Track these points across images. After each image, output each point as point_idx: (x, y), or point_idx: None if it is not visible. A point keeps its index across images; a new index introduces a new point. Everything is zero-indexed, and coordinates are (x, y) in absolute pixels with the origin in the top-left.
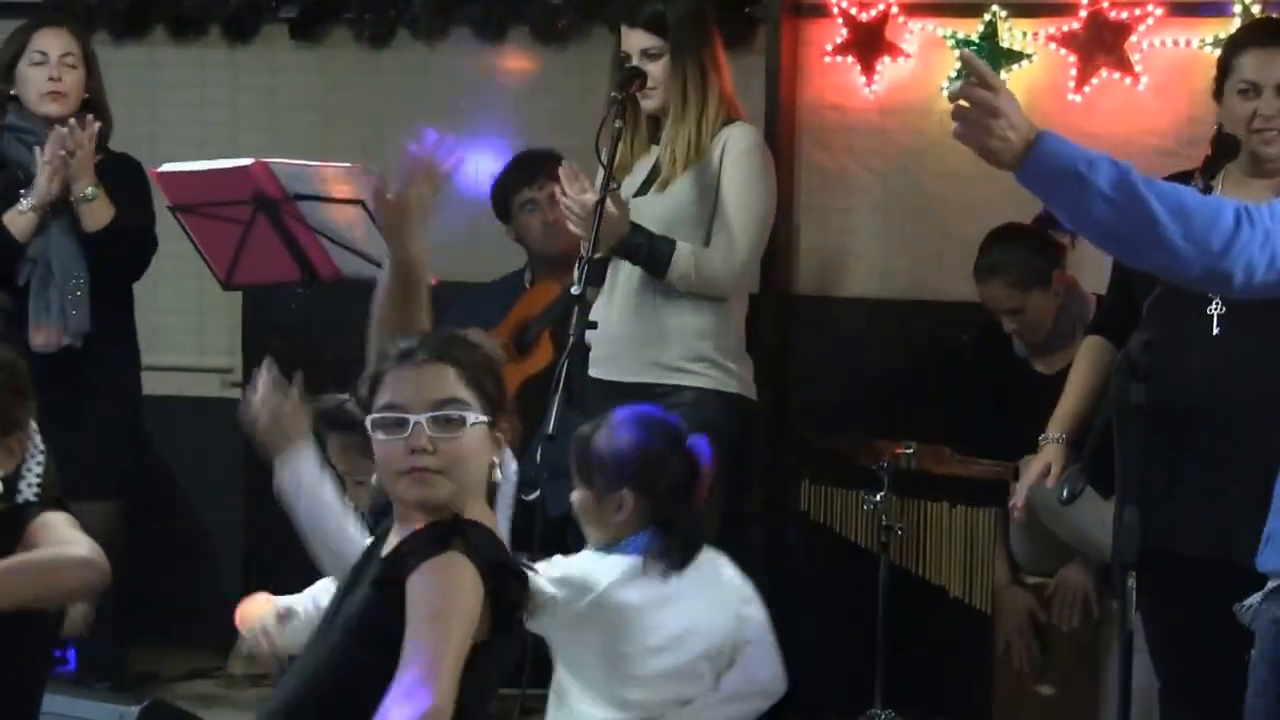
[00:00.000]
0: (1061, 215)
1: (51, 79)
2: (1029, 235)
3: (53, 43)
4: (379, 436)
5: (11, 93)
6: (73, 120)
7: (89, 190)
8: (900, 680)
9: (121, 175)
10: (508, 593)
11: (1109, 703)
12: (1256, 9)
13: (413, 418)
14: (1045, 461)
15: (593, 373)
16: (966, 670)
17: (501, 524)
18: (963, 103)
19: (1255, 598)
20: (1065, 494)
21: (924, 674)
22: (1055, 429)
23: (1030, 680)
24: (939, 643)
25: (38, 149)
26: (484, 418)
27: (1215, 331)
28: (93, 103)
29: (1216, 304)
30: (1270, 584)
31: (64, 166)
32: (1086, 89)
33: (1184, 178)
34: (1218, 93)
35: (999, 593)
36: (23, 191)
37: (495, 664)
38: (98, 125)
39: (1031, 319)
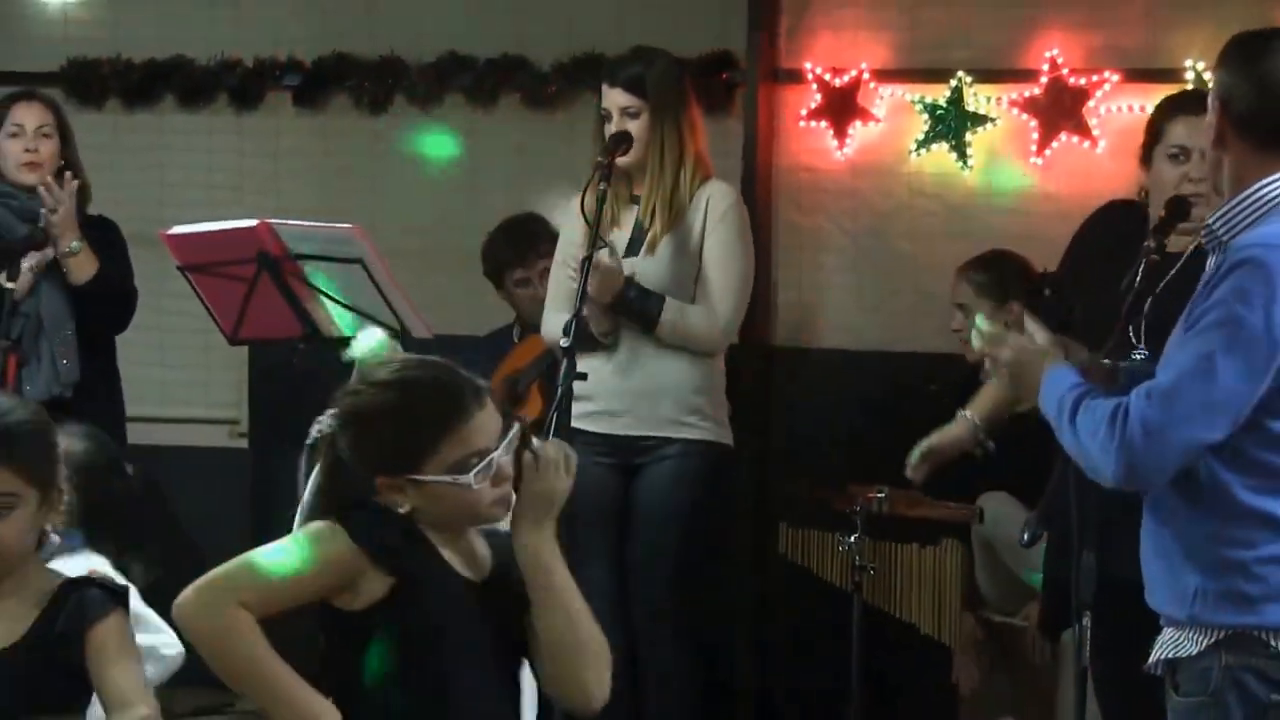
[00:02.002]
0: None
1: (27, 150)
2: (1017, 266)
3: (28, 115)
4: (474, 481)
5: None
6: (49, 178)
7: (74, 244)
8: (873, 713)
9: (102, 234)
10: None
11: None
12: (1209, 75)
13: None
14: (955, 434)
15: (585, 425)
16: (935, 703)
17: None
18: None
19: (1174, 648)
20: (1026, 538)
21: (895, 707)
22: (972, 410)
23: (993, 711)
24: (909, 677)
25: (28, 205)
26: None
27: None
28: (69, 167)
29: (1138, 354)
30: (1218, 634)
31: (50, 224)
32: (1047, 152)
33: (1127, 206)
34: (1145, 158)
35: (956, 623)
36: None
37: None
38: (77, 183)
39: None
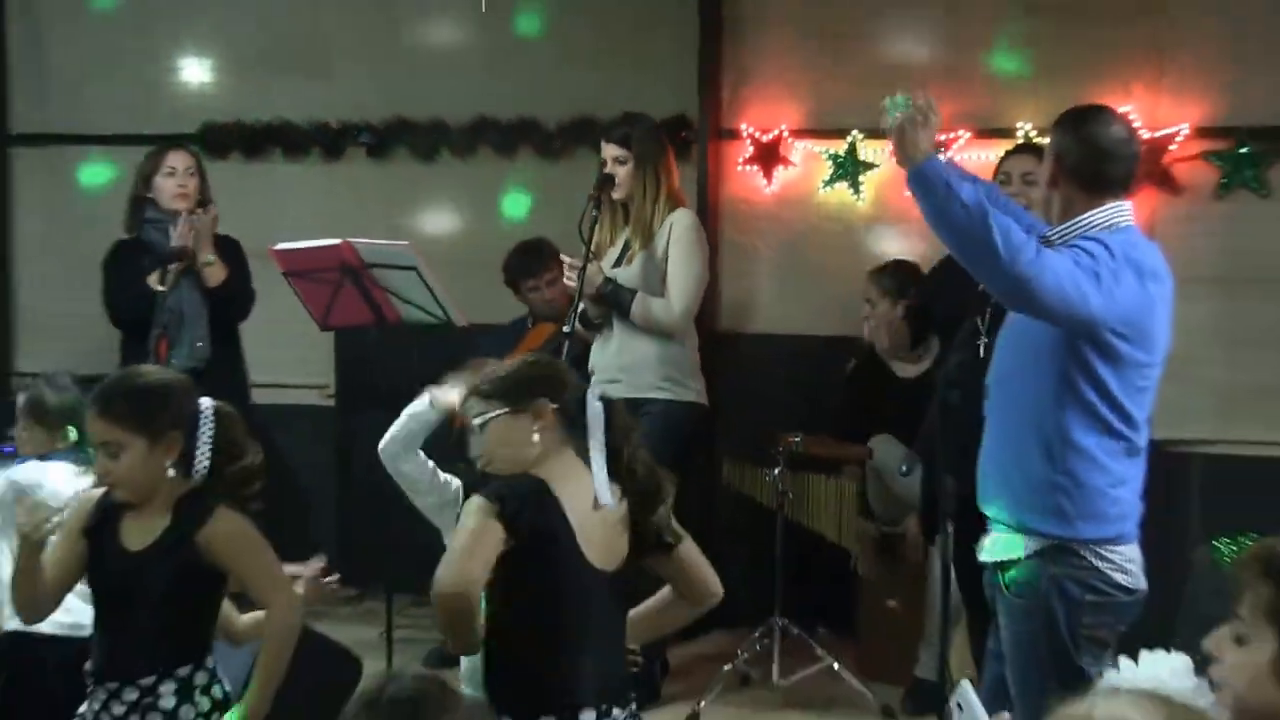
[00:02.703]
0: (926, 213)
1: (180, 186)
2: (911, 270)
3: (179, 161)
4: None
5: (148, 195)
6: (199, 210)
7: (209, 257)
8: (792, 598)
9: (228, 249)
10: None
11: (932, 610)
12: (1034, 134)
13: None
14: None
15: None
16: (838, 590)
17: (595, 457)
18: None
19: (1006, 551)
20: (905, 469)
21: (809, 593)
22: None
23: (882, 597)
24: (819, 572)
25: (171, 229)
26: (498, 412)
27: (980, 355)
28: (204, 200)
29: (982, 339)
30: (1042, 543)
31: (194, 241)
32: None
33: None
34: None
35: (858, 530)
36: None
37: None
38: (215, 213)
39: (878, 317)
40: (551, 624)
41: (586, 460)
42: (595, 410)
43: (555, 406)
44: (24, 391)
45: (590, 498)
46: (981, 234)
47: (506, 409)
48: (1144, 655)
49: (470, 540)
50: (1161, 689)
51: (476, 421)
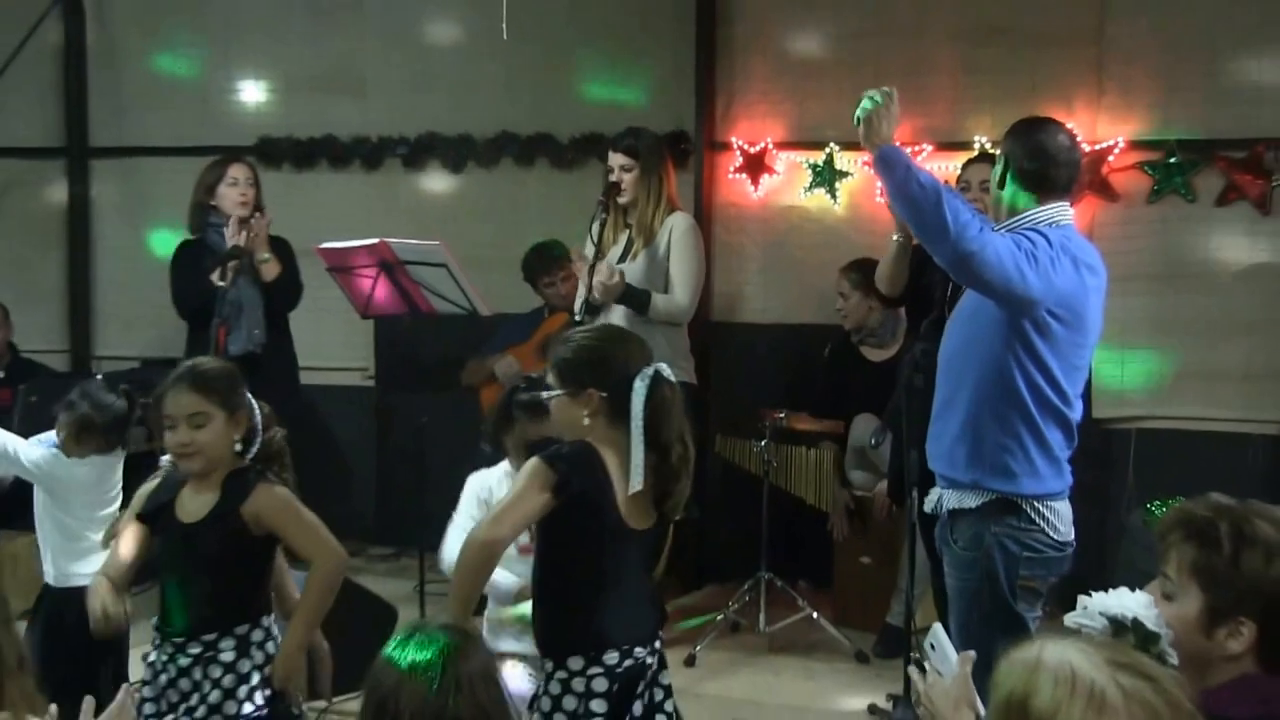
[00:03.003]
0: (889, 189)
1: (242, 194)
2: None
3: (239, 171)
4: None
5: (212, 202)
6: (256, 214)
7: (265, 255)
8: (776, 555)
9: (281, 248)
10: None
11: (902, 565)
12: (989, 145)
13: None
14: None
15: None
16: (817, 548)
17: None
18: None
19: (957, 501)
20: (874, 442)
21: (791, 551)
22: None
23: (856, 554)
24: (800, 531)
25: (227, 233)
26: (557, 393)
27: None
28: (259, 206)
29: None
30: (989, 497)
31: (250, 242)
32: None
33: None
34: None
35: (834, 497)
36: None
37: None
38: (269, 218)
39: (850, 308)
40: (586, 574)
41: (629, 442)
42: (639, 395)
43: (603, 395)
44: (65, 409)
45: (628, 471)
46: (934, 210)
47: (564, 392)
48: (1112, 590)
49: (511, 503)
50: (1129, 614)
51: (544, 395)
